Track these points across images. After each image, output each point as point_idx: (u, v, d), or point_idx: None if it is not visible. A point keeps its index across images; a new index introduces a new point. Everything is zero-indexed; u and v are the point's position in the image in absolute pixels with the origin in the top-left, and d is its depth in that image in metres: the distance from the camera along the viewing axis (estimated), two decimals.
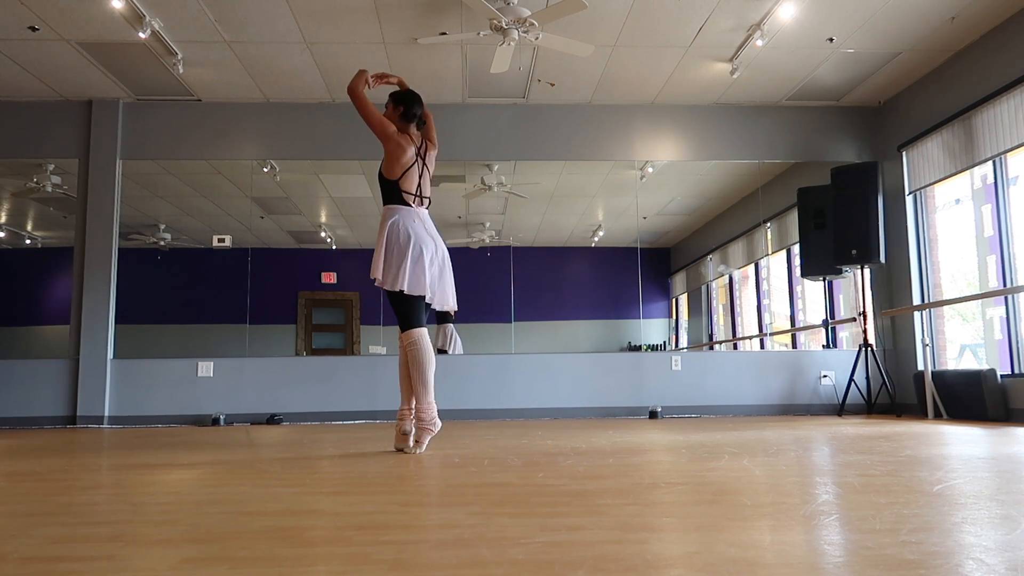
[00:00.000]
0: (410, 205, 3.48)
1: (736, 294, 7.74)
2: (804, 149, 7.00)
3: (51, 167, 6.69)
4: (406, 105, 3.54)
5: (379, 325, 6.83)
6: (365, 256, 6.97)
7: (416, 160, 3.51)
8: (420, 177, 3.52)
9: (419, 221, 3.47)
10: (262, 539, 1.53)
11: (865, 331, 6.41)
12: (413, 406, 3.49)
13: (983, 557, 1.30)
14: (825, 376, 6.73)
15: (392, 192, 3.48)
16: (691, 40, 5.73)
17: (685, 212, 7.32)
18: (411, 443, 3.40)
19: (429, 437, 3.37)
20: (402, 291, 3.35)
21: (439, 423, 3.40)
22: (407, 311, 3.41)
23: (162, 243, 6.91)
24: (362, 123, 6.85)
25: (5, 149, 6.65)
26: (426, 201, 3.56)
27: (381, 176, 3.47)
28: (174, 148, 6.74)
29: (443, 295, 3.49)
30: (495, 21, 4.89)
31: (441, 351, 6.85)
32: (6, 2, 5.03)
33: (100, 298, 6.45)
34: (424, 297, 3.40)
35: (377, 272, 3.38)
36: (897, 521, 1.62)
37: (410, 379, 3.47)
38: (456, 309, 3.66)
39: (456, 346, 6.86)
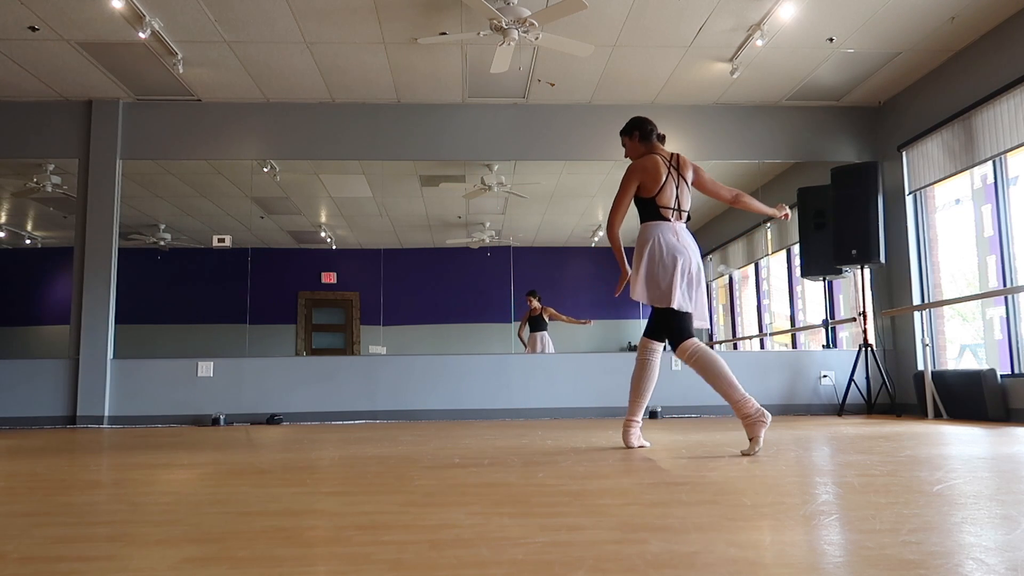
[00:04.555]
0: (668, 220, 3.44)
1: (736, 294, 7.74)
2: (804, 149, 7.00)
3: (51, 167, 6.69)
4: (639, 128, 3.58)
5: (379, 325, 6.83)
6: (365, 256, 6.97)
7: (669, 174, 3.47)
8: (677, 189, 3.47)
9: (675, 235, 3.42)
10: (262, 539, 1.53)
11: (865, 331, 6.41)
12: (640, 418, 3.51)
13: (983, 557, 1.30)
14: (825, 376, 6.73)
15: (649, 209, 3.47)
16: (691, 40, 5.73)
17: None
18: (749, 445, 3.20)
19: (763, 430, 3.17)
20: (674, 308, 3.35)
21: (767, 413, 3.20)
22: (680, 324, 3.38)
23: (162, 243, 6.91)
24: (360, 123, 6.85)
25: (5, 149, 6.65)
26: (684, 215, 3.49)
27: (637, 197, 3.49)
28: (174, 148, 6.74)
29: (701, 309, 3.45)
30: (495, 21, 4.89)
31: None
32: (6, 2, 5.03)
33: (100, 298, 6.45)
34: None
35: (641, 294, 3.38)
36: (897, 521, 1.62)
37: (642, 391, 3.46)
38: (705, 323, 3.54)
39: (550, 350, 6.94)
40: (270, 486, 2.32)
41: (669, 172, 3.47)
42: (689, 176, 3.55)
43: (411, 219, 7.14)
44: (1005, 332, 5.48)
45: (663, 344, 3.52)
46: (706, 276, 7.54)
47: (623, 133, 3.64)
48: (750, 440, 3.17)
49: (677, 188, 3.48)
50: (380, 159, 6.85)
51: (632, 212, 3.56)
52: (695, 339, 3.35)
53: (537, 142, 6.91)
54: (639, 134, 3.58)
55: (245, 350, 6.59)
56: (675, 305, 3.33)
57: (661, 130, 6.90)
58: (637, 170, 3.48)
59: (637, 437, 3.52)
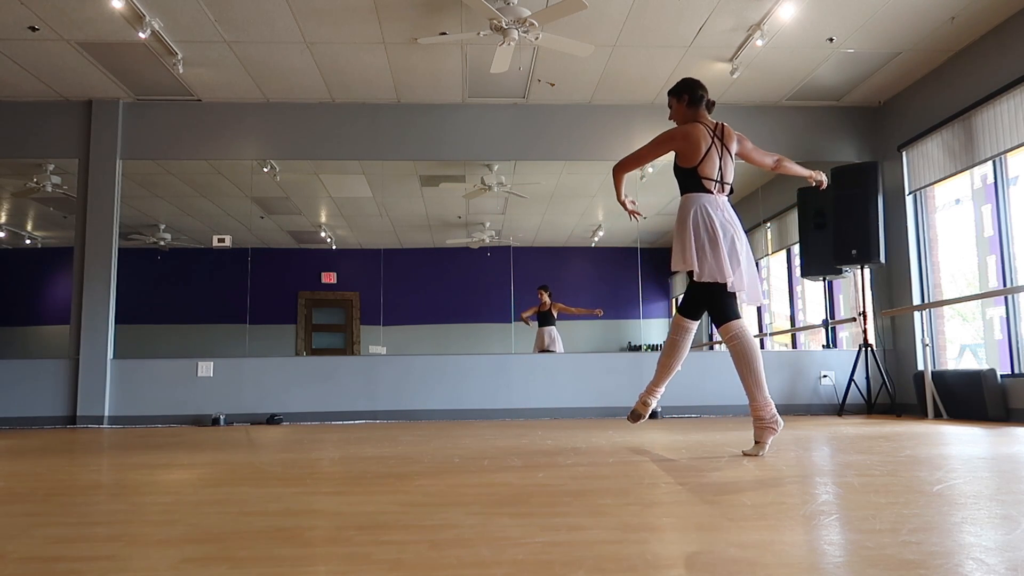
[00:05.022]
0: (710, 192, 3.23)
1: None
2: (804, 149, 7.00)
3: (51, 167, 6.69)
4: (689, 92, 3.35)
5: (379, 325, 6.83)
6: (365, 256, 6.98)
7: (714, 143, 3.25)
8: (721, 161, 3.26)
9: (720, 209, 3.23)
10: (262, 539, 1.53)
11: (865, 331, 6.41)
12: (662, 388, 3.38)
13: (983, 557, 1.30)
14: (825, 376, 6.73)
15: (691, 180, 3.26)
16: (691, 40, 5.73)
17: None
18: (754, 445, 3.13)
19: (772, 437, 3.08)
20: (722, 283, 3.15)
21: (781, 421, 3.10)
22: (728, 301, 3.19)
23: (162, 243, 6.92)
24: (360, 123, 6.85)
25: (5, 149, 6.65)
26: (727, 188, 3.30)
27: (677, 167, 3.29)
28: (174, 148, 6.74)
29: (754, 290, 3.26)
30: (495, 21, 4.89)
31: (545, 351, 6.93)
32: (6, 2, 5.03)
33: (100, 298, 6.45)
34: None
35: (691, 263, 3.17)
36: (897, 521, 1.62)
37: (670, 366, 3.31)
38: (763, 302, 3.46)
39: (558, 345, 6.96)
40: (270, 486, 2.32)
41: (713, 143, 3.25)
42: (734, 147, 3.34)
43: (411, 219, 7.14)
44: (1005, 332, 5.48)
45: (697, 323, 3.35)
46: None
47: (671, 93, 3.40)
48: (756, 443, 3.12)
49: (721, 160, 3.26)
50: (380, 159, 6.85)
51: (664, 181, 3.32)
52: (742, 321, 3.19)
53: (537, 142, 6.91)
54: (688, 98, 3.34)
55: (245, 350, 6.59)
56: (727, 280, 3.15)
57: (659, 130, 6.93)
58: (677, 137, 3.27)
59: (654, 400, 3.39)
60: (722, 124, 3.35)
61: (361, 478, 2.49)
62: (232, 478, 2.53)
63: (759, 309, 7.47)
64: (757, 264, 7.38)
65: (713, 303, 3.23)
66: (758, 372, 3.11)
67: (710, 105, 3.40)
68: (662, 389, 3.43)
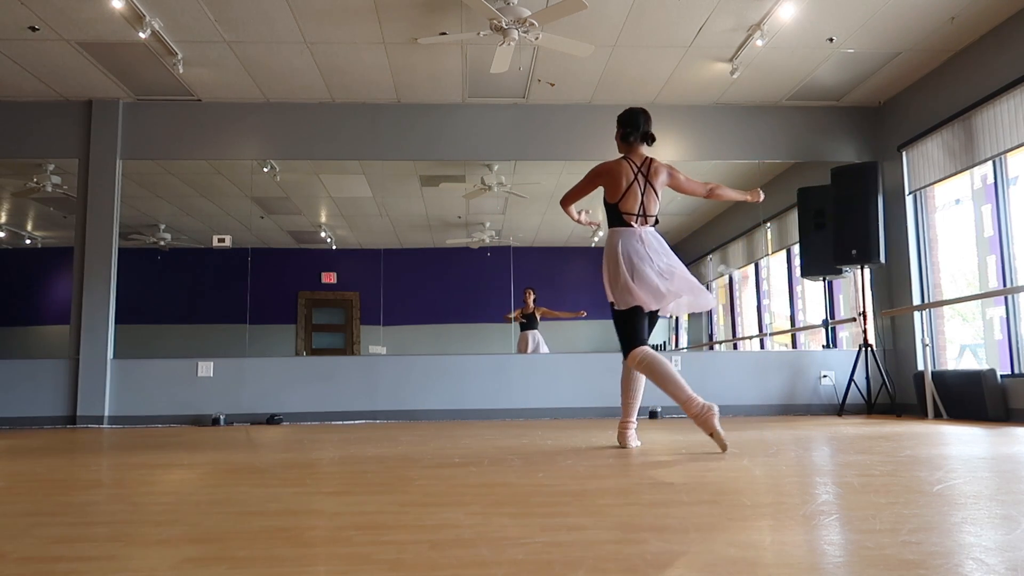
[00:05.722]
0: (631, 226, 3.50)
1: (736, 294, 7.74)
2: (804, 149, 7.00)
3: (51, 167, 6.69)
4: (621, 127, 3.62)
5: (379, 325, 6.83)
6: (365, 256, 6.98)
7: (636, 180, 3.51)
8: (643, 196, 3.51)
9: (640, 242, 3.46)
10: (262, 539, 1.53)
11: (865, 331, 6.41)
12: (635, 419, 3.59)
13: (983, 557, 1.30)
14: (825, 376, 6.73)
15: (614, 214, 3.54)
16: (691, 40, 5.73)
17: (685, 212, 7.32)
18: (719, 442, 3.23)
19: (716, 420, 3.19)
20: (620, 309, 3.43)
21: (714, 405, 3.21)
22: (627, 330, 3.44)
23: (162, 243, 6.92)
24: (360, 123, 6.85)
25: (5, 149, 6.65)
26: (650, 220, 3.55)
27: (605, 201, 3.57)
28: (174, 148, 6.74)
29: (677, 304, 3.50)
30: (495, 21, 4.89)
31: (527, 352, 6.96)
32: (6, 2, 5.03)
33: (100, 298, 6.45)
34: (642, 310, 3.42)
35: (609, 294, 3.48)
36: (897, 521, 1.62)
37: (633, 392, 3.56)
38: (709, 308, 3.79)
39: (542, 350, 6.95)
40: (270, 486, 2.32)
41: (636, 179, 3.51)
42: (660, 181, 3.56)
43: (411, 219, 7.14)
44: (1005, 332, 5.48)
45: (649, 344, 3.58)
46: (706, 276, 7.54)
47: (619, 118, 3.66)
48: (710, 435, 3.21)
49: (644, 195, 3.50)
50: (380, 159, 6.85)
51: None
52: (645, 347, 3.39)
53: (537, 142, 6.91)
54: (620, 133, 3.64)
55: (245, 350, 6.59)
56: (651, 305, 3.39)
57: (660, 130, 6.92)
58: (601, 174, 3.58)
59: (633, 438, 3.57)
60: (650, 160, 3.58)
61: (361, 478, 2.49)
62: (232, 478, 2.53)
63: (759, 309, 7.47)
64: (756, 264, 7.41)
65: (619, 330, 3.46)
66: (673, 377, 3.28)
67: (649, 138, 3.60)
68: (635, 419, 3.61)
